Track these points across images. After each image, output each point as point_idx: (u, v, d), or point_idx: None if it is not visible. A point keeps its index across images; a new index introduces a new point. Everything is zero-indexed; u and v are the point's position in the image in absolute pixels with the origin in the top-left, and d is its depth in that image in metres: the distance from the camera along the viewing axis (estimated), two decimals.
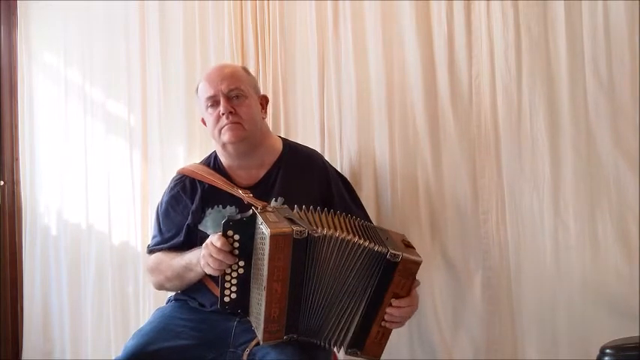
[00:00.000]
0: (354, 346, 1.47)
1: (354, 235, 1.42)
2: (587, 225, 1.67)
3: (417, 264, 1.43)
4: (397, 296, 1.44)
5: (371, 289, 1.43)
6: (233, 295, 1.43)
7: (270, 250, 1.32)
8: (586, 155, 1.68)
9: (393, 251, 1.40)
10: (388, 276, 1.42)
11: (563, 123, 1.71)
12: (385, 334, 1.48)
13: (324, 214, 1.48)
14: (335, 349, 1.52)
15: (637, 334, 1.44)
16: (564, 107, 1.70)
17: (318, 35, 2.05)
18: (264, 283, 1.35)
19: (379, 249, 1.41)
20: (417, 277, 1.47)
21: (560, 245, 1.71)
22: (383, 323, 1.46)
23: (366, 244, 1.41)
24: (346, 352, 1.49)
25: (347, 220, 1.50)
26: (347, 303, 1.45)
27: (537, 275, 1.74)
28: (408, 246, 1.49)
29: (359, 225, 1.52)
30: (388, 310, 1.45)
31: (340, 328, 1.47)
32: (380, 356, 1.50)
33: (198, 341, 1.55)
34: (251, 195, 1.60)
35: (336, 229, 1.42)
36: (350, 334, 1.46)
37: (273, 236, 1.32)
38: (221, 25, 2.22)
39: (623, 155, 1.63)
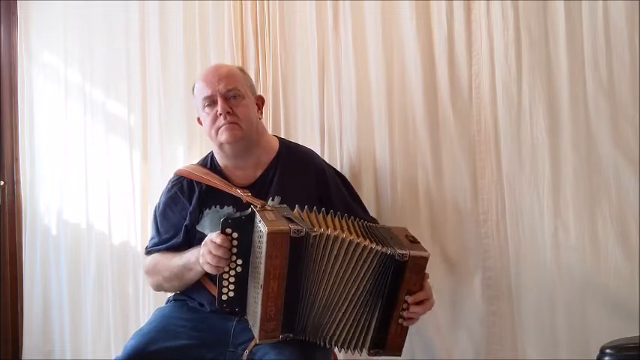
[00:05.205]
0: (376, 347, 1.49)
1: (358, 237, 1.42)
2: (587, 225, 1.67)
3: (425, 259, 1.45)
4: (411, 292, 1.46)
5: (384, 290, 1.44)
6: (231, 294, 1.43)
7: (267, 248, 1.32)
8: (586, 155, 1.68)
9: (400, 251, 1.41)
10: (399, 275, 1.43)
11: (563, 123, 1.70)
12: (404, 329, 1.50)
13: (329, 216, 1.49)
14: (342, 352, 1.53)
15: (637, 334, 1.44)
16: (564, 107, 1.70)
17: (318, 35, 2.05)
18: (261, 282, 1.35)
19: (386, 250, 1.41)
20: None
21: (560, 245, 1.70)
22: (400, 320, 1.47)
23: (373, 246, 1.41)
24: (369, 354, 1.49)
25: (349, 222, 1.50)
26: (362, 306, 1.45)
27: (537, 275, 1.74)
28: (413, 241, 1.50)
29: (361, 225, 1.52)
30: (411, 308, 1.46)
31: (359, 332, 1.47)
32: (401, 350, 1.51)
33: (198, 341, 1.55)
34: (249, 194, 1.60)
35: (343, 230, 1.42)
36: (370, 337, 1.48)
37: (270, 234, 1.32)
38: (221, 25, 2.22)
39: (623, 155, 1.63)
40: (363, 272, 1.43)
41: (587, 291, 1.67)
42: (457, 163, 1.84)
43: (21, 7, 2.76)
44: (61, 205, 2.62)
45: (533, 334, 1.74)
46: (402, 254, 1.41)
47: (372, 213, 1.86)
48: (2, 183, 2.75)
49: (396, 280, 1.43)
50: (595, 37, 1.66)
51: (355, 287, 1.44)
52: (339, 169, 1.92)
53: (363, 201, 1.83)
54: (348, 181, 1.83)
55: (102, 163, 2.50)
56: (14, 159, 2.78)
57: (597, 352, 1.36)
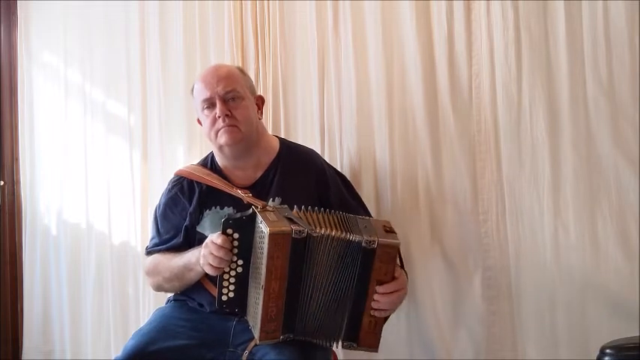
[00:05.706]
0: (349, 340, 1.46)
1: (334, 229, 1.40)
2: (587, 225, 1.67)
3: (395, 247, 1.42)
4: (381, 283, 1.42)
5: (354, 280, 1.41)
6: (231, 294, 1.43)
7: (269, 248, 1.32)
8: (586, 155, 1.68)
9: (368, 238, 1.38)
10: (368, 264, 1.40)
11: (563, 123, 1.71)
12: (378, 323, 1.46)
13: (325, 214, 1.48)
14: (333, 346, 1.52)
15: (637, 334, 1.44)
16: (564, 107, 1.71)
17: (318, 35, 2.04)
18: (262, 282, 1.35)
19: (354, 238, 1.39)
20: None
21: (560, 245, 1.71)
22: (372, 312, 1.44)
23: (342, 235, 1.39)
24: (343, 347, 1.48)
25: (324, 215, 1.47)
26: (339, 299, 1.44)
27: (537, 275, 1.74)
28: (389, 231, 1.46)
29: (339, 217, 1.48)
30: (375, 297, 1.43)
31: (336, 324, 1.46)
32: (377, 347, 1.48)
33: (198, 341, 1.55)
34: (250, 195, 1.60)
35: (336, 229, 1.41)
36: (343, 329, 1.45)
37: (272, 235, 1.32)
38: (221, 25, 2.22)
39: (623, 155, 1.64)
40: (340, 264, 1.41)
41: (587, 291, 1.67)
42: (457, 163, 1.84)
43: (21, 7, 2.76)
44: (61, 205, 2.62)
45: (533, 334, 1.74)
46: (370, 241, 1.38)
47: (372, 213, 1.86)
48: (2, 183, 2.75)
49: (365, 269, 1.40)
50: (595, 37, 1.67)
51: (333, 279, 1.42)
52: (338, 168, 1.92)
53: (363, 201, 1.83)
54: (349, 181, 1.82)
55: (102, 163, 2.50)
56: (14, 159, 2.78)
57: (597, 352, 1.36)
